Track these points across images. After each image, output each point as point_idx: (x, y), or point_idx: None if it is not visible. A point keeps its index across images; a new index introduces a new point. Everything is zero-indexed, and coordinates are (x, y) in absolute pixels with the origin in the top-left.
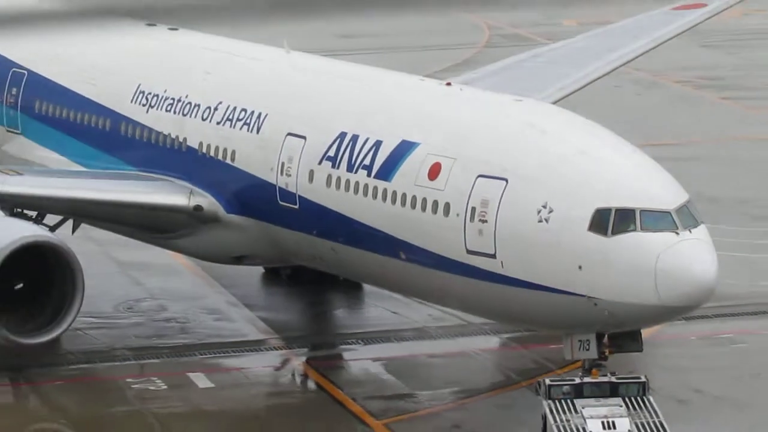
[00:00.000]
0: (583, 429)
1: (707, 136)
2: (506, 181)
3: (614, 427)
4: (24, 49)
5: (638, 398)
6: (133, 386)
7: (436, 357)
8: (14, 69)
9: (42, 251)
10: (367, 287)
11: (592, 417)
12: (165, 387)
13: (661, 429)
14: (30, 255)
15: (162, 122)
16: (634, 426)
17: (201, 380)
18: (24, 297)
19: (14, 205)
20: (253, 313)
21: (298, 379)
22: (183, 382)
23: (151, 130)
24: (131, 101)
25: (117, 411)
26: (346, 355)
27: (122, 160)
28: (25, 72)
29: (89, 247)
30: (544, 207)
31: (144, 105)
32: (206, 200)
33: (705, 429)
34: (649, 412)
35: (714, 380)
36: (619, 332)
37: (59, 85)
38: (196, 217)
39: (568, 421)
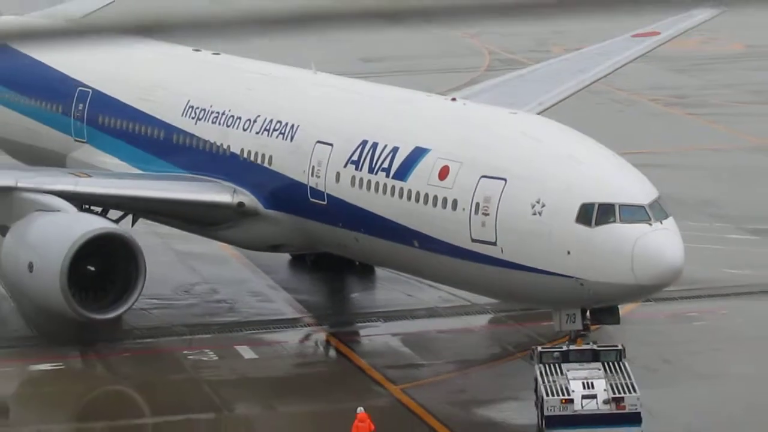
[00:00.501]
0: (567, 388)
1: (675, 146)
2: (505, 180)
3: (593, 387)
4: (89, 71)
5: (615, 363)
6: (188, 357)
7: (444, 333)
8: (80, 88)
9: (110, 241)
10: (379, 272)
11: (575, 378)
12: (216, 358)
13: (631, 389)
14: (99, 244)
15: (209, 132)
16: (609, 386)
17: (247, 352)
18: (94, 280)
19: (83, 202)
20: (290, 295)
21: (327, 351)
22: (231, 354)
23: (199, 139)
24: (182, 115)
25: (175, 378)
26: (368, 331)
27: (174, 164)
28: (90, 90)
29: (153, 240)
30: (538, 202)
31: (193, 118)
32: (248, 198)
33: (672, 393)
34: (622, 374)
35: (680, 352)
36: (600, 308)
37: (120, 101)
38: (239, 212)
39: (554, 381)
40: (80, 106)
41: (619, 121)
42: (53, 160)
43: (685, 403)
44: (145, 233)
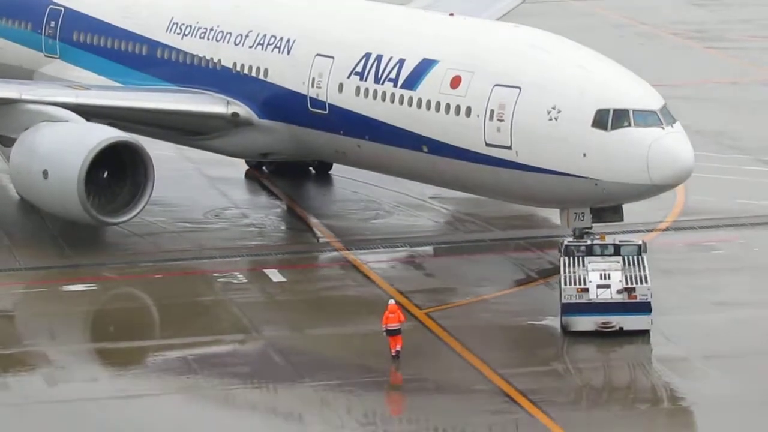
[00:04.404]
0: (585, 278)
1: (694, 79)
2: (520, 89)
3: (609, 278)
4: None
5: (635, 257)
6: (219, 280)
7: (469, 258)
8: (51, 6)
9: (120, 148)
10: (403, 198)
11: (594, 270)
12: (245, 281)
13: (644, 280)
14: (109, 152)
15: (197, 47)
16: (624, 277)
17: (275, 275)
18: (103, 185)
19: (79, 113)
20: (318, 220)
21: (355, 275)
22: (260, 277)
23: (186, 53)
24: (166, 31)
25: (206, 300)
26: (395, 256)
27: (158, 77)
28: (62, 8)
29: (185, 165)
30: (554, 108)
31: (179, 34)
32: (242, 108)
33: (690, 319)
34: (639, 267)
35: (698, 280)
36: (604, 206)
37: (96, 18)
38: (232, 122)
39: (574, 272)
40: (52, 23)
41: (640, 54)
42: (19, 75)
43: (702, 330)
44: (178, 158)
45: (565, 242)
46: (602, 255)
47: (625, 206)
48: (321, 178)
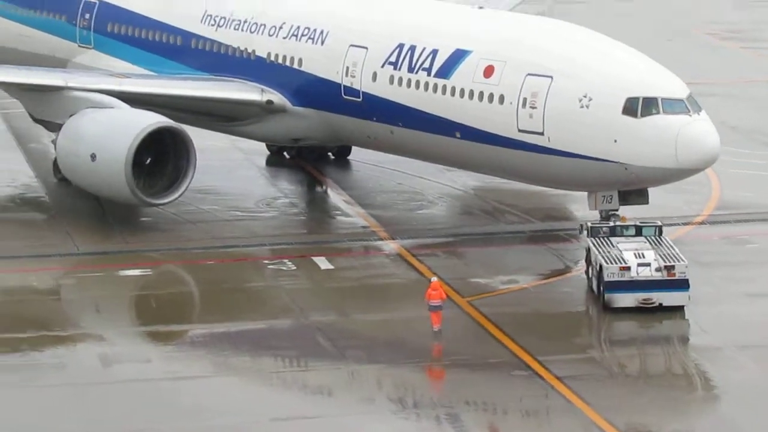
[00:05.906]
0: (621, 258)
1: (729, 78)
2: (551, 78)
3: (644, 257)
4: None
5: (656, 237)
6: (269, 266)
7: (510, 248)
8: (85, 0)
9: (164, 133)
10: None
11: (626, 250)
12: (294, 268)
13: (678, 258)
14: (153, 137)
15: (231, 38)
16: (658, 256)
17: (323, 263)
18: (146, 168)
19: (121, 99)
20: (365, 210)
21: (400, 263)
22: (308, 264)
23: (221, 44)
24: (200, 22)
25: (256, 285)
26: (439, 246)
27: (192, 67)
28: (97, 1)
29: (236, 155)
30: (585, 96)
31: (212, 25)
32: (276, 96)
33: (724, 310)
34: (667, 247)
35: (732, 273)
36: (630, 190)
37: (130, 10)
38: (267, 109)
39: (608, 252)
40: (86, 16)
41: (677, 53)
42: (51, 63)
43: (735, 321)
44: (229, 149)
45: (590, 224)
46: (624, 236)
47: (661, 201)
48: (346, 164)
